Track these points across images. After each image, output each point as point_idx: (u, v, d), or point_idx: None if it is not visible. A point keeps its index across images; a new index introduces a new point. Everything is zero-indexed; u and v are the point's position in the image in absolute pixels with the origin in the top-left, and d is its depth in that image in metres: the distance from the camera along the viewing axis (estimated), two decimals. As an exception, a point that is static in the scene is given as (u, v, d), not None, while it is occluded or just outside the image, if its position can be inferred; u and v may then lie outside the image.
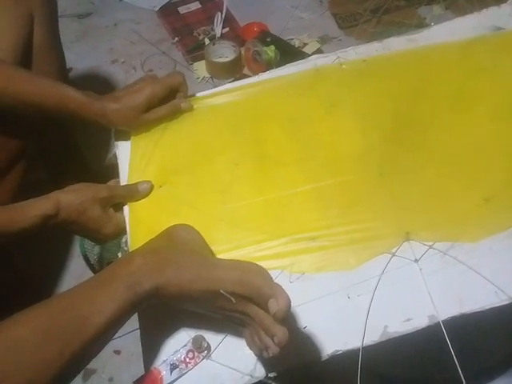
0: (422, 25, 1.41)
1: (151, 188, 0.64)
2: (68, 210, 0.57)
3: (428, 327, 0.51)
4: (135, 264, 0.46)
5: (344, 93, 0.71)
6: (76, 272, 1.02)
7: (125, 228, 0.63)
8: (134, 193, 0.63)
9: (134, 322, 0.53)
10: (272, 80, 0.74)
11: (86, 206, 0.58)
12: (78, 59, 1.42)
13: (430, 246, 0.56)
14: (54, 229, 0.58)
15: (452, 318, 0.51)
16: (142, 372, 0.51)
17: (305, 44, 1.41)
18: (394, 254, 0.56)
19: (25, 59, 0.72)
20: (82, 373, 0.90)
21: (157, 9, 1.55)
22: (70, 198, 0.58)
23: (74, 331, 0.41)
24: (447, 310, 0.52)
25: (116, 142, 0.70)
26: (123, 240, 0.98)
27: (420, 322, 0.51)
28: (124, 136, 0.69)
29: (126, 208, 0.63)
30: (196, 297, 0.46)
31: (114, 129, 0.70)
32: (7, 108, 0.65)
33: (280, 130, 0.68)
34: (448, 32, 0.77)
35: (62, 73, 0.86)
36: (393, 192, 0.61)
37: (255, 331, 0.47)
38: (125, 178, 0.66)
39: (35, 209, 0.56)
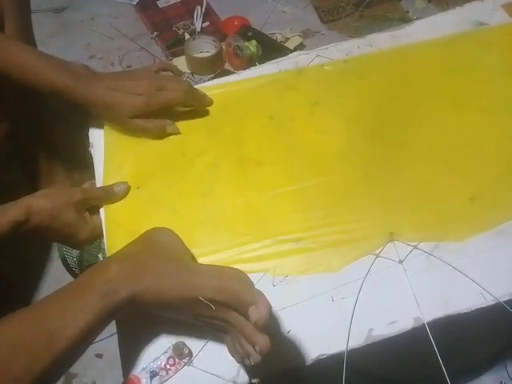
0: (404, 18, 1.40)
1: (128, 189, 0.62)
2: (40, 215, 0.55)
3: (413, 329, 0.50)
4: (111, 271, 0.44)
5: (326, 91, 0.70)
6: (56, 275, 0.99)
7: (102, 231, 0.60)
8: (110, 194, 0.61)
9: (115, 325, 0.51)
10: (252, 79, 0.73)
11: (60, 211, 0.56)
12: (54, 54, 1.37)
13: (415, 247, 0.55)
14: (26, 235, 0.56)
15: (437, 319, 0.51)
16: (126, 376, 0.49)
17: (287, 38, 1.39)
18: (378, 255, 0.55)
19: None
20: (63, 378, 0.88)
21: (135, 2, 1.52)
22: (42, 203, 0.56)
23: (44, 346, 0.40)
24: (432, 311, 0.51)
25: (91, 142, 0.68)
26: (103, 241, 0.97)
27: (405, 324, 0.50)
28: (99, 135, 0.67)
29: (102, 211, 0.61)
30: (175, 304, 0.45)
31: (90, 129, 0.68)
32: None
33: (261, 130, 0.67)
34: (430, 27, 0.77)
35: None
36: (377, 191, 0.60)
37: (236, 338, 0.45)
38: (100, 179, 0.64)
39: (5, 215, 0.54)
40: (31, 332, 0.40)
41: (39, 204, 0.56)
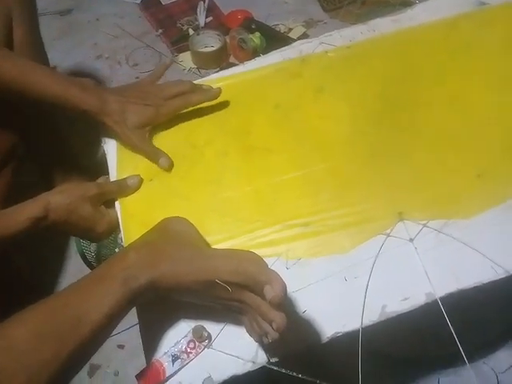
0: (406, 3, 1.39)
1: (140, 181, 0.63)
2: (57, 210, 0.57)
3: (426, 305, 0.51)
4: (129, 259, 0.46)
5: (331, 78, 0.71)
6: (74, 270, 1.02)
7: (118, 224, 0.62)
8: (124, 187, 0.62)
9: (135, 316, 0.53)
10: (257, 69, 0.74)
11: (76, 206, 0.58)
12: (61, 56, 1.40)
13: (424, 225, 0.56)
14: (45, 231, 0.58)
15: (449, 294, 0.51)
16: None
17: (290, 29, 1.40)
18: (388, 235, 0.56)
19: None
20: (87, 369, 0.90)
21: (139, 1, 1.54)
22: (59, 199, 0.57)
23: (70, 331, 0.41)
24: (444, 286, 0.52)
25: (103, 138, 0.69)
26: (119, 236, 0.98)
27: (417, 300, 0.51)
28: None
29: (117, 204, 0.63)
30: (192, 288, 0.46)
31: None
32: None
33: (267, 118, 0.68)
34: (432, 10, 0.77)
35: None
36: (384, 173, 0.61)
37: (254, 318, 0.47)
38: (114, 173, 0.66)
39: (24, 213, 0.56)
40: (57, 319, 0.42)
41: (56, 200, 0.58)
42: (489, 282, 0.52)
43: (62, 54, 1.41)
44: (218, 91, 0.68)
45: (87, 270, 0.96)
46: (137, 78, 1.35)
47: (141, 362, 0.51)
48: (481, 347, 0.75)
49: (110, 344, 0.91)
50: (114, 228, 0.63)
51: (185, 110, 0.68)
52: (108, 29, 1.48)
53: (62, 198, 0.58)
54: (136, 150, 0.66)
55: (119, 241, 0.98)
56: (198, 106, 0.69)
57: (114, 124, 0.64)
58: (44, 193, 0.59)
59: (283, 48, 0.77)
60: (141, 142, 0.65)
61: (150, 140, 0.66)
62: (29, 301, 0.43)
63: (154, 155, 0.65)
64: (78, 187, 0.60)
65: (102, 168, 0.70)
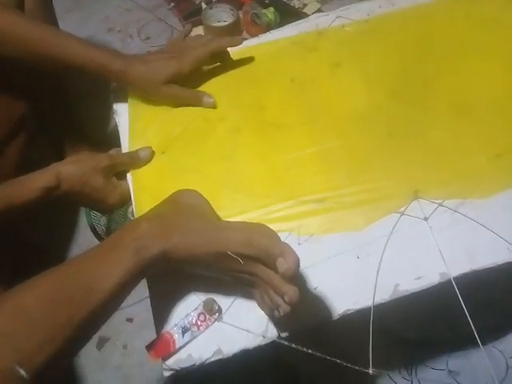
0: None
1: (152, 154, 0.63)
2: (70, 181, 0.57)
3: (439, 284, 0.51)
4: (141, 229, 0.46)
5: (348, 52, 0.70)
6: (83, 243, 1.02)
7: (130, 196, 0.62)
8: (136, 159, 0.62)
9: (144, 290, 0.53)
10: (272, 42, 0.73)
11: (89, 177, 0.58)
12: (72, 29, 1.35)
13: (440, 204, 0.55)
14: (57, 201, 0.58)
15: (463, 274, 0.51)
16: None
17: (305, 5, 1.37)
18: (402, 213, 0.55)
19: None
20: (96, 341, 0.91)
21: (151, -27, 1.50)
22: (71, 169, 0.57)
23: (82, 297, 0.41)
24: (458, 266, 0.51)
25: (115, 109, 0.69)
26: (130, 210, 0.98)
27: (431, 279, 0.51)
28: (124, 103, 0.68)
29: (129, 176, 0.63)
30: (204, 260, 0.46)
31: (113, 95, 0.68)
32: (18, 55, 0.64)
33: (282, 93, 0.67)
34: (454, -16, 0.75)
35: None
36: (400, 150, 0.60)
37: (265, 291, 0.46)
38: (126, 145, 0.66)
39: (36, 182, 0.56)
40: (69, 285, 0.42)
41: (68, 170, 0.57)
42: (503, 264, 0.51)
43: (72, 27, 1.39)
44: (240, 39, 0.68)
45: (97, 243, 0.96)
46: (148, 51, 1.33)
47: (150, 336, 0.51)
48: (492, 330, 0.74)
49: (118, 317, 0.92)
50: (126, 200, 0.62)
51: (198, 83, 0.67)
52: (120, 1, 1.46)
53: (73, 169, 0.58)
54: (172, 101, 0.66)
55: (129, 215, 0.98)
56: (212, 79, 0.68)
57: (138, 86, 0.64)
58: (55, 163, 0.58)
59: (299, 21, 0.75)
60: (175, 93, 0.65)
61: (182, 87, 0.66)
62: (39, 270, 0.43)
63: (195, 97, 0.66)
64: (89, 158, 0.60)
65: (113, 140, 0.70)
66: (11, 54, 0.63)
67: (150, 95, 0.66)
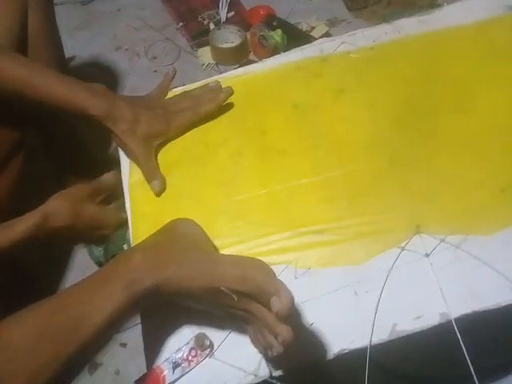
0: (433, 5, 1.36)
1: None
2: (59, 216, 0.58)
3: (439, 325, 0.49)
4: (135, 261, 0.45)
5: (352, 79, 0.69)
6: (81, 264, 1.01)
7: (126, 218, 0.61)
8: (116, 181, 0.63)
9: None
10: (276, 67, 0.72)
11: (80, 207, 0.58)
12: (81, 46, 1.40)
13: (442, 240, 0.53)
14: (47, 240, 0.58)
15: (464, 315, 0.49)
16: (149, 365, 0.50)
17: (312, 28, 1.37)
18: (403, 248, 0.53)
19: (20, 45, 0.70)
20: (87, 366, 0.89)
21: (161, -7, 1.52)
22: (56, 205, 0.58)
23: (70, 332, 0.40)
24: (460, 307, 0.49)
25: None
26: (128, 231, 0.97)
27: (431, 319, 0.49)
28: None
29: (127, 201, 0.62)
30: (197, 294, 0.45)
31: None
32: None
33: (285, 119, 0.66)
34: (461, 12, 0.74)
35: (59, 59, 0.84)
36: (403, 182, 0.59)
37: (259, 329, 0.45)
38: (126, 167, 0.65)
39: (22, 222, 0.57)
40: (57, 320, 0.40)
41: (54, 206, 0.59)
42: (507, 305, 0.49)
43: (81, 44, 1.40)
44: (224, 97, 0.65)
45: (93, 264, 0.95)
46: (155, 71, 1.33)
47: (142, 362, 0.50)
48: (492, 370, 0.72)
49: (112, 342, 0.90)
50: (122, 221, 0.62)
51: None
52: (128, 20, 1.47)
53: (59, 204, 0.59)
54: (136, 162, 0.63)
55: (128, 236, 0.97)
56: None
57: (121, 132, 0.60)
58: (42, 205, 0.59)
59: (304, 46, 0.75)
60: (144, 157, 0.61)
61: (154, 156, 0.63)
62: (31, 293, 0.42)
63: (151, 174, 0.61)
64: (72, 190, 0.61)
65: (115, 161, 0.69)
66: None
67: (122, 145, 0.63)
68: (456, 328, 0.47)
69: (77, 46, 1.39)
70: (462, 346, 0.47)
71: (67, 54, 0.92)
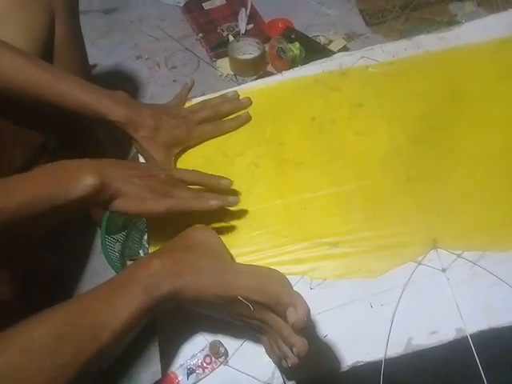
0: (452, 22, 1.36)
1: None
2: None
3: (455, 340, 0.49)
4: (153, 267, 0.45)
5: (370, 94, 0.69)
6: (97, 268, 1.02)
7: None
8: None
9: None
10: (295, 79, 0.73)
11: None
12: (103, 55, 1.42)
13: (459, 255, 0.53)
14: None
15: (480, 331, 0.49)
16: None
17: (330, 41, 1.38)
18: (420, 263, 0.54)
19: (46, 55, 0.72)
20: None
21: (181, 4, 1.54)
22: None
23: (89, 336, 0.41)
24: (476, 323, 0.49)
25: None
26: (144, 237, 0.98)
27: (447, 334, 0.49)
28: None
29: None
30: (214, 302, 0.45)
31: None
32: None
33: (302, 131, 0.67)
34: (480, 30, 0.74)
35: (84, 68, 0.86)
36: (420, 197, 0.59)
37: (274, 339, 0.45)
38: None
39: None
40: (77, 323, 0.41)
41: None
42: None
43: (103, 52, 1.43)
44: (247, 117, 0.68)
45: (110, 268, 0.96)
46: (174, 80, 1.35)
47: (156, 367, 0.50)
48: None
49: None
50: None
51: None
52: (149, 30, 1.49)
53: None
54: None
55: (144, 242, 0.98)
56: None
57: (142, 139, 0.62)
58: None
59: (323, 59, 0.75)
60: (164, 164, 0.62)
61: (173, 163, 0.64)
62: (53, 292, 0.42)
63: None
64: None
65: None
66: (10, 97, 0.62)
67: (143, 151, 0.64)
68: (471, 343, 0.47)
69: (99, 54, 1.41)
70: (477, 362, 0.46)
71: (89, 62, 0.94)
